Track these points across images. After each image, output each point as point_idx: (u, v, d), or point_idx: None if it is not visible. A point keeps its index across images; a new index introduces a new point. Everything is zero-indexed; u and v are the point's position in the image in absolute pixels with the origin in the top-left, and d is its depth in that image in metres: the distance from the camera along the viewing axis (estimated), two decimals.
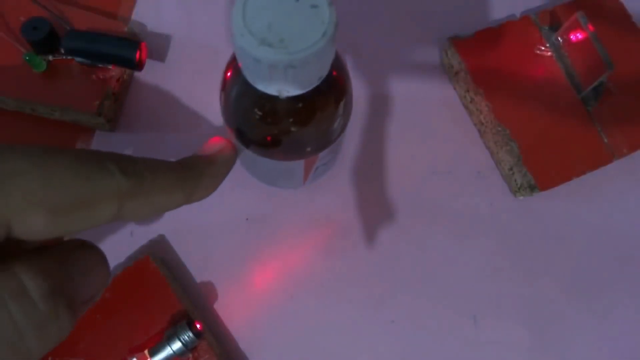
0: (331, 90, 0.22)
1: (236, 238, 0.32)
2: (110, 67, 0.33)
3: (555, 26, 0.35)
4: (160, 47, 0.36)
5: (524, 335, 0.31)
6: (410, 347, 0.31)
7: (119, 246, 0.32)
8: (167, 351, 0.28)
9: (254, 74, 0.19)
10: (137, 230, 0.32)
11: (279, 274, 0.32)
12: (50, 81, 0.32)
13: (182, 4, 0.37)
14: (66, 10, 0.34)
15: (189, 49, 0.36)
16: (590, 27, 0.32)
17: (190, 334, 0.28)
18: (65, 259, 0.14)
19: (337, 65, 0.21)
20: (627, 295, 0.33)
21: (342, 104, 0.23)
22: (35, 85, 0.32)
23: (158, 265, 0.30)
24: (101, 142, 0.34)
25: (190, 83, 0.35)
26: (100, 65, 0.32)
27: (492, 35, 0.35)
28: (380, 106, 0.35)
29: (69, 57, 0.32)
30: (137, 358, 0.28)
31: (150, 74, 0.35)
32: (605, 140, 0.33)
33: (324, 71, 0.20)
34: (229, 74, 0.23)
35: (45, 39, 0.31)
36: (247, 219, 0.33)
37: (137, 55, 0.32)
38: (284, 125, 0.22)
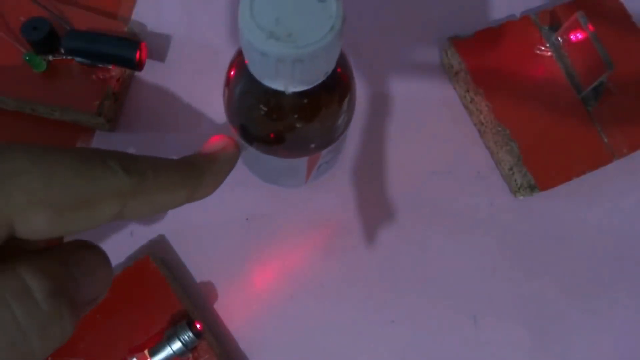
0: (336, 87, 0.22)
1: (236, 238, 0.32)
2: (110, 67, 0.32)
3: (555, 26, 0.35)
4: (160, 47, 0.36)
5: (524, 335, 0.31)
6: (410, 347, 0.31)
7: (119, 246, 0.32)
8: (167, 351, 0.28)
9: (260, 68, 0.19)
10: (137, 230, 0.32)
11: (279, 274, 0.32)
12: (50, 81, 0.32)
13: (182, 4, 0.37)
14: (66, 10, 0.34)
15: (189, 49, 0.36)
16: (590, 27, 0.32)
17: (190, 334, 0.28)
18: (67, 259, 0.14)
19: (342, 62, 0.22)
20: (627, 295, 0.33)
21: (346, 100, 0.23)
22: (35, 85, 0.32)
23: (158, 265, 0.30)
24: (101, 142, 0.34)
25: (190, 83, 0.35)
26: (100, 65, 0.32)
27: (492, 35, 0.35)
28: (380, 106, 0.35)
29: (69, 57, 0.32)
30: (137, 358, 0.28)
31: (150, 74, 0.35)
32: (605, 140, 0.33)
33: (330, 66, 0.20)
34: (232, 71, 0.23)
35: (45, 39, 0.31)
36: (247, 219, 0.33)
37: (137, 55, 0.32)
38: (289, 121, 0.22)
